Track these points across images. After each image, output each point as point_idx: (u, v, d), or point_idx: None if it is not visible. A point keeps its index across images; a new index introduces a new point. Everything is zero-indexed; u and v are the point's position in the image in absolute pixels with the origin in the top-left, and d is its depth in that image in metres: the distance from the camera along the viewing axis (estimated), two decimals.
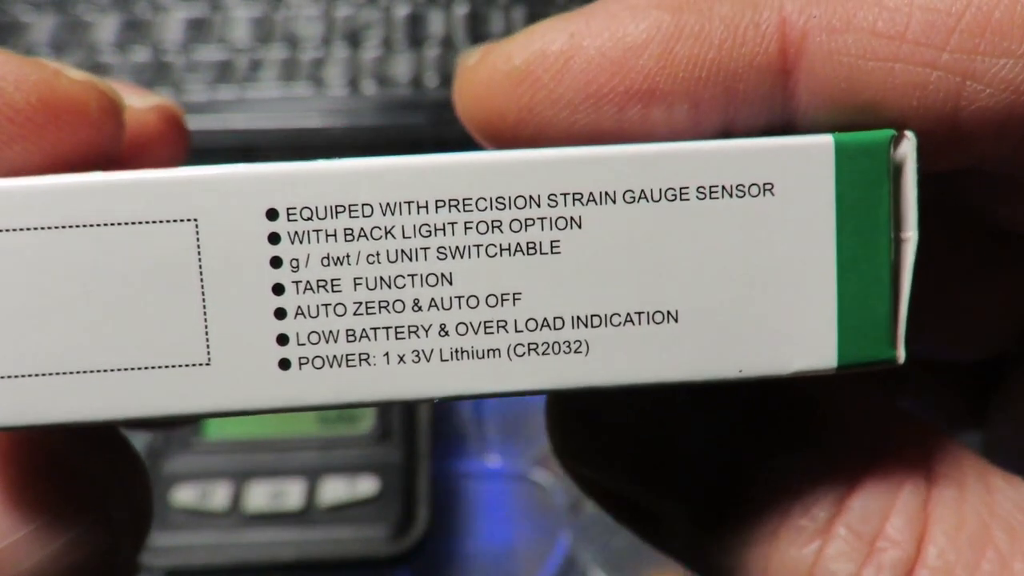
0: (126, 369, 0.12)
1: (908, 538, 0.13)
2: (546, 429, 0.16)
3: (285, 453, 0.35)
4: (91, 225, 0.11)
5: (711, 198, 0.12)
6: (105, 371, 0.12)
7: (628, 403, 0.15)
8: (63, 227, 0.11)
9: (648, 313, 0.12)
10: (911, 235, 0.12)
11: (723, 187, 0.12)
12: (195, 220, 0.12)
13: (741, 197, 0.12)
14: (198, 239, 0.12)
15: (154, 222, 0.12)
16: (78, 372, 0.12)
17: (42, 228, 0.11)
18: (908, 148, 0.12)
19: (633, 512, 0.16)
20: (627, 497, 0.15)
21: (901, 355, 0.12)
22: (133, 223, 0.11)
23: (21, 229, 0.11)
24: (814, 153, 0.12)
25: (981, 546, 0.13)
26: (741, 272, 0.12)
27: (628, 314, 0.12)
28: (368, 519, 0.34)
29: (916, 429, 0.14)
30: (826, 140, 0.12)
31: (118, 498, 0.15)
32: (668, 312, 0.12)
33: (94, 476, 0.15)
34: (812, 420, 0.14)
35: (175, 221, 0.12)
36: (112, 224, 0.11)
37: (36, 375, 0.12)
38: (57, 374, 0.12)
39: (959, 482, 0.13)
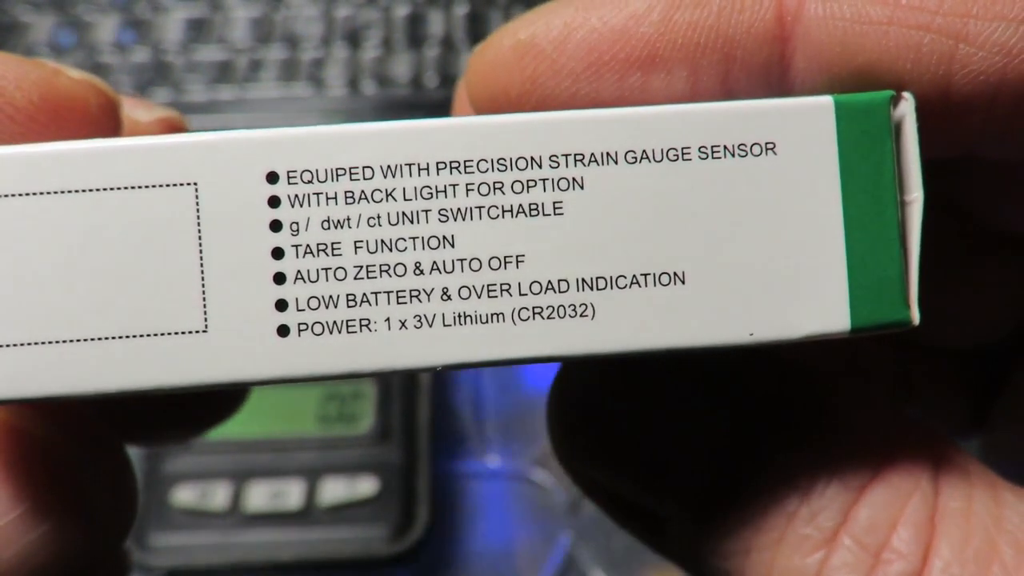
0: (120, 337, 0.11)
1: (914, 550, 0.13)
2: (547, 425, 0.16)
3: (285, 453, 0.35)
4: (90, 190, 0.11)
5: (713, 157, 0.12)
6: (99, 339, 0.11)
7: (631, 392, 0.15)
8: (62, 192, 0.11)
9: (654, 275, 0.12)
10: (916, 195, 0.12)
11: (725, 146, 0.12)
12: (194, 184, 0.11)
13: (743, 156, 0.12)
14: (197, 203, 0.11)
15: (153, 186, 0.11)
16: (71, 341, 0.11)
17: (41, 193, 0.11)
18: (907, 108, 0.12)
19: (633, 513, 0.16)
20: (627, 497, 0.15)
21: (915, 316, 0.12)
22: (132, 187, 0.11)
23: (19, 195, 0.11)
24: (814, 113, 0.12)
25: (987, 561, 0.12)
26: (748, 232, 0.12)
27: (634, 276, 0.12)
28: (368, 519, 0.34)
29: (925, 437, 0.14)
30: (826, 100, 0.12)
31: (103, 495, 0.15)
32: (675, 273, 0.12)
33: (81, 470, 0.15)
34: (820, 423, 0.14)
35: (174, 185, 0.11)
36: (111, 189, 0.11)
37: (27, 344, 0.11)
38: (49, 343, 0.11)
39: (967, 494, 0.13)
